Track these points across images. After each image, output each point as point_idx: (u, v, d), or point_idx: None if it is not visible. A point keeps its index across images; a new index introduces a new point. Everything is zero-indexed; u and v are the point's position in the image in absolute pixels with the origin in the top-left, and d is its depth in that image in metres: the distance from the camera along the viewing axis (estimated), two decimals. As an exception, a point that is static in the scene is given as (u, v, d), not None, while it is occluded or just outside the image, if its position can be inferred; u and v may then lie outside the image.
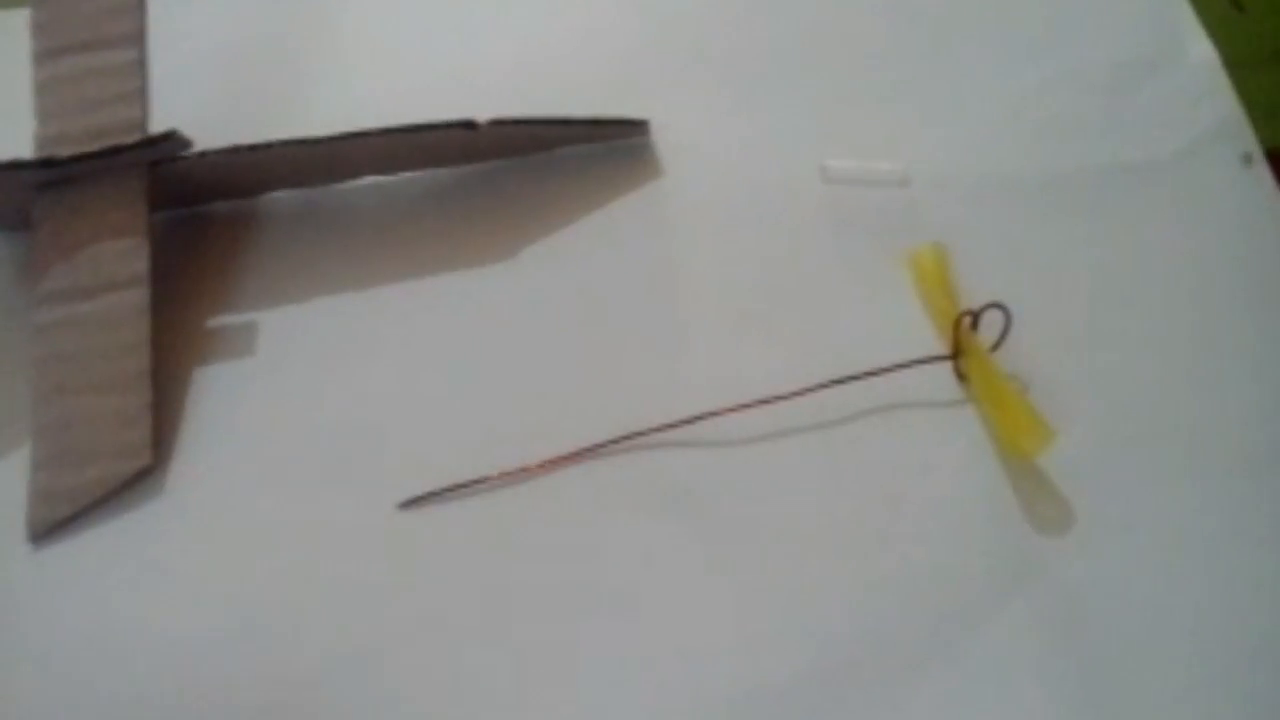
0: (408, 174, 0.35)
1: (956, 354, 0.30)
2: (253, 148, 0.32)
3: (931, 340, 0.31)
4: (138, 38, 0.32)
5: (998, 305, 0.29)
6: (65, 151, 0.31)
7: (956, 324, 0.30)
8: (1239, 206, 0.33)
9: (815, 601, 0.28)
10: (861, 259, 0.33)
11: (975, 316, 0.30)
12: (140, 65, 0.32)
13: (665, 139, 0.35)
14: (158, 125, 0.32)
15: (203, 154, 0.32)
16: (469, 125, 0.32)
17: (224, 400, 0.31)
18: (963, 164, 0.34)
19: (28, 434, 0.30)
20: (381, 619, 0.28)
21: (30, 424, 0.30)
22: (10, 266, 0.34)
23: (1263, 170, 0.34)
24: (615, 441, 0.30)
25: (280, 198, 0.35)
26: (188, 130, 0.32)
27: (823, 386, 0.29)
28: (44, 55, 0.33)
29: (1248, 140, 0.34)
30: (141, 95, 0.32)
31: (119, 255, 0.31)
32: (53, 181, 0.31)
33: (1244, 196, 0.33)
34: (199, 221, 0.35)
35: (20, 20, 0.33)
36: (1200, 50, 0.36)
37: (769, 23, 0.37)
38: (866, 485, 0.29)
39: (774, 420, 0.30)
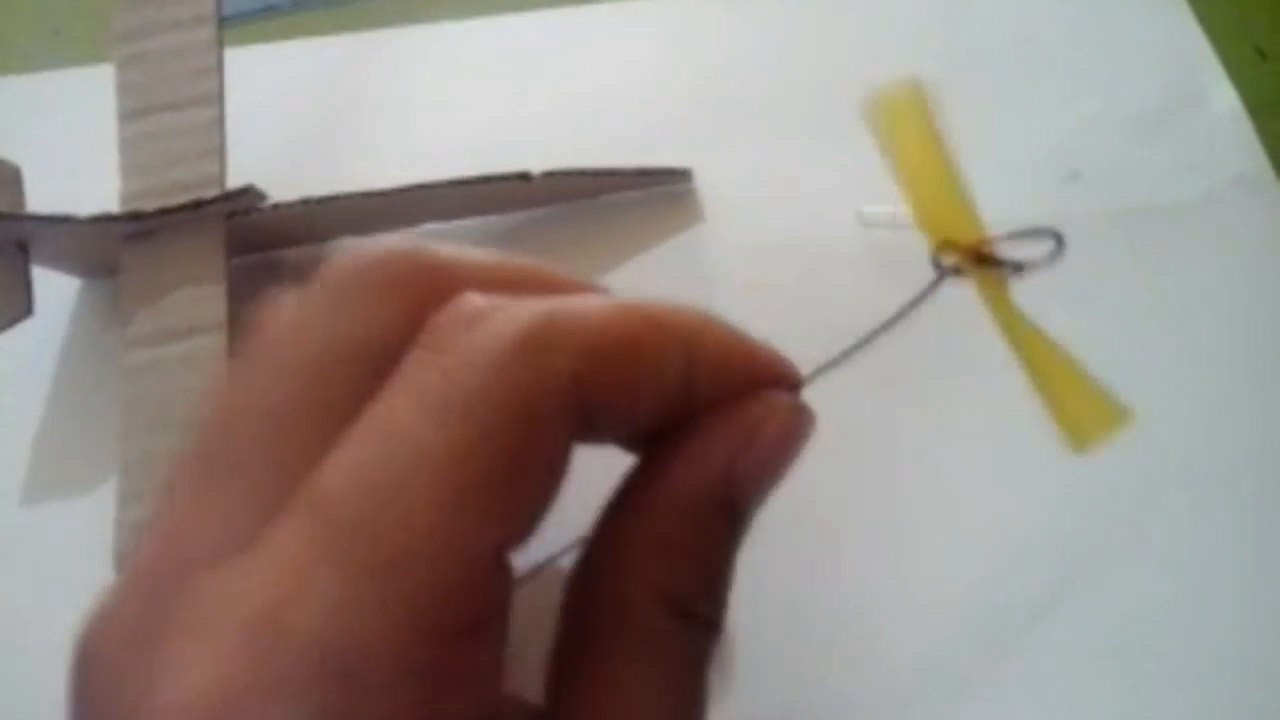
0: (464, 221, 0.37)
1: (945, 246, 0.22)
2: (321, 200, 0.34)
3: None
4: (216, 98, 0.34)
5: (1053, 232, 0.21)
6: (150, 205, 0.33)
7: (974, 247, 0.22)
8: (1268, 249, 0.34)
9: (851, 623, 0.29)
10: (899, 301, 0.34)
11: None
12: (219, 124, 0.34)
13: (707, 186, 0.37)
14: (234, 179, 0.34)
15: (276, 206, 0.34)
16: (524, 177, 0.34)
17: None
18: (993, 208, 0.36)
19: (117, 470, 0.32)
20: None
21: (119, 460, 0.32)
22: (102, 312, 0.36)
23: (1285, 215, 0.35)
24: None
25: (347, 242, 0.37)
26: (261, 182, 0.34)
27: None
28: (129, 114, 0.35)
29: (1273, 185, 0.35)
30: (220, 152, 0.34)
31: (199, 301, 0.33)
32: (138, 233, 0.34)
33: (1273, 240, 0.35)
34: (272, 265, 0.37)
35: (102, 75, 0.36)
36: (1224, 96, 0.37)
37: (806, 74, 0.39)
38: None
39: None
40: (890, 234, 0.35)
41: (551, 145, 0.38)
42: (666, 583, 0.17)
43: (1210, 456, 0.31)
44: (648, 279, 0.36)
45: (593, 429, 0.17)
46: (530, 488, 0.16)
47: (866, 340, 0.22)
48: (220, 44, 0.35)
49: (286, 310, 0.18)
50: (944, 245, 0.23)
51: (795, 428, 0.19)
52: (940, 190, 0.25)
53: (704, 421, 0.18)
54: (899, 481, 0.32)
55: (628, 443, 0.20)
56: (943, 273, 0.23)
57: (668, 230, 0.37)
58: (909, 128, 0.26)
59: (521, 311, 0.16)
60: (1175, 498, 0.30)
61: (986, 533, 0.30)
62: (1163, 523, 0.30)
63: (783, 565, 0.28)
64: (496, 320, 0.16)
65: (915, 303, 0.23)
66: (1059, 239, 0.22)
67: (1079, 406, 0.23)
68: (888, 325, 0.22)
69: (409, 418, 0.15)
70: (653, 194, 0.37)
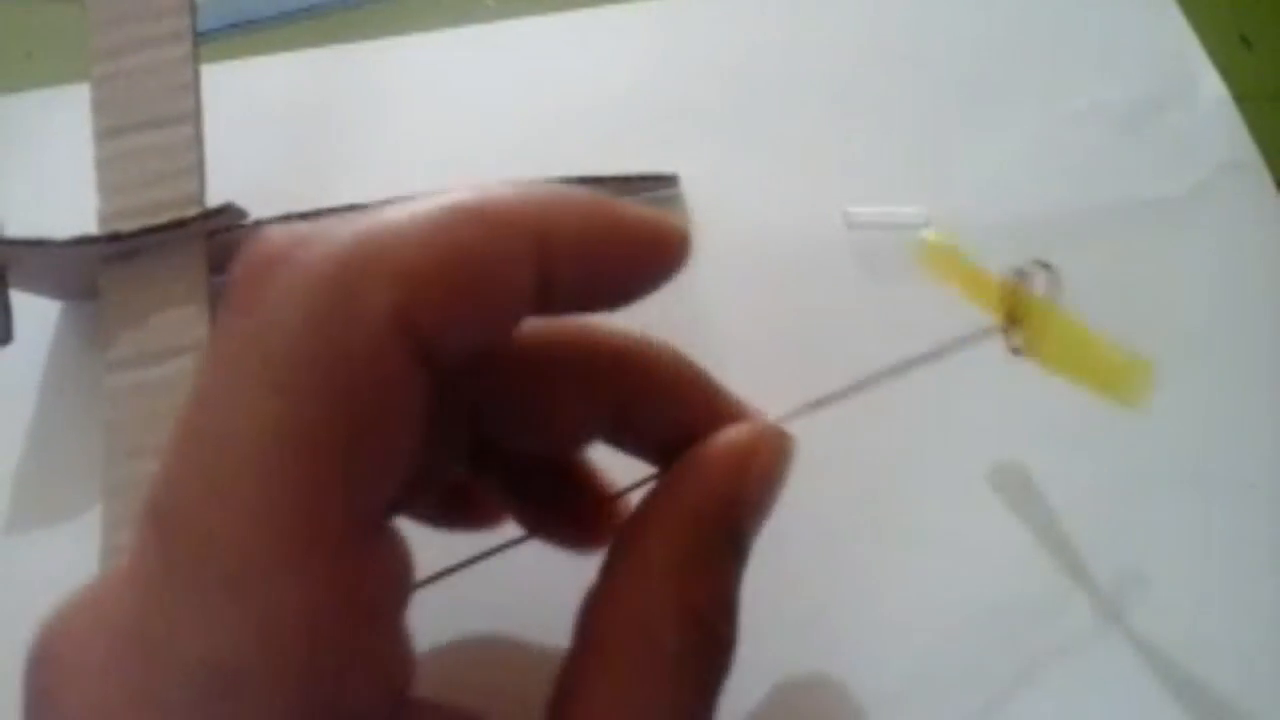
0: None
1: (1010, 322, 0.26)
2: (304, 215, 0.33)
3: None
4: (193, 115, 0.34)
5: (1043, 264, 0.26)
6: (129, 226, 0.33)
7: (1007, 293, 0.26)
8: (1259, 239, 0.34)
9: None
10: (886, 301, 0.34)
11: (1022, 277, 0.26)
12: (197, 141, 0.34)
13: (694, 191, 0.37)
14: (214, 197, 0.34)
15: (257, 223, 0.34)
16: (508, 187, 0.34)
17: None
18: (982, 206, 0.36)
19: (100, 495, 0.32)
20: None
21: (102, 485, 0.32)
22: (83, 336, 0.36)
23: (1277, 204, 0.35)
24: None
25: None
26: (242, 198, 0.34)
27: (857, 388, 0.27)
28: (106, 133, 0.34)
29: (1262, 174, 0.35)
30: (199, 169, 0.34)
31: (181, 322, 0.33)
32: (118, 254, 0.33)
33: (1263, 229, 0.34)
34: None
35: (76, 96, 0.35)
36: (1211, 86, 0.37)
37: (790, 75, 0.39)
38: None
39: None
40: (877, 234, 0.35)
41: (535, 154, 0.37)
42: (686, 601, 0.17)
43: (1213, 452, 0.31)
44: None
45: (445, 356, 0.15)
46: (377, 442, 0.15)
47: (885, 374, 0.23)
48: (197, 60, 0.34)
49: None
50: (1011, 325, 0.25)
51: (783, 454, 0.20)
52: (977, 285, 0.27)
53: (704, 451, 0.19)
54: (890, 495, 0.31)
55: (639, 449, 0.20)
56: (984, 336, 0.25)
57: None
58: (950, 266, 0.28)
59: (322, 246, 0.15)
60: (1178, 497, 0.30)
61: (980, 545, 0.30)
62: (1165, 522, 0.30)
63: (770, 582, 0.28)
64: (295, 262, 0.15)
65: (948, 349, 0.24)
66: (1049, 269, 0.24)
67: (1115, 372, 0.24)
68: (912, 365, 0.23)
69: (222, 400, 0.14)
70: (639, 201, 0.37)
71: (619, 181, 0.36)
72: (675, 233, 0.18)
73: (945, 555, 0.30)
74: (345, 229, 0.15)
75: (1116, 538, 0.30)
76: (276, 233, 0.15)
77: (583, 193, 0.18)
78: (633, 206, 0.18)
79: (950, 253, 0.30)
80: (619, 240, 0.18)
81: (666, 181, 0.37)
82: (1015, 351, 0.26)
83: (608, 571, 0.18)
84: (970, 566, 0.29)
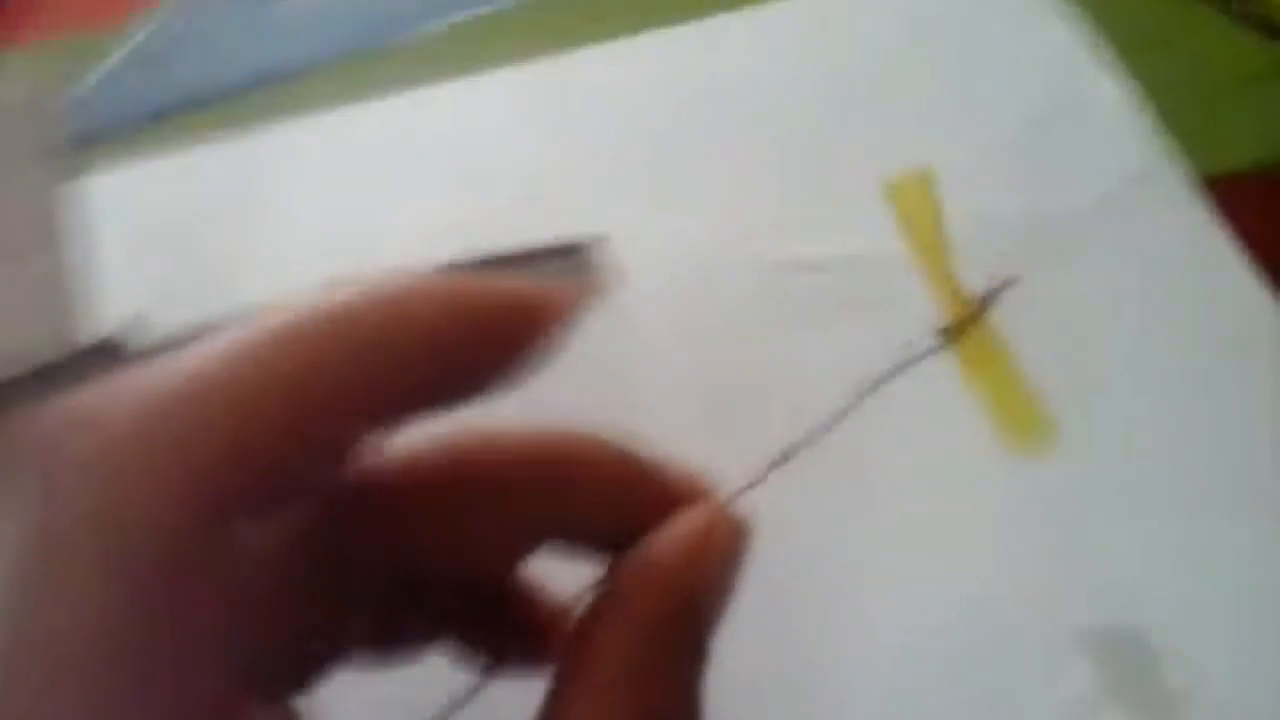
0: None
1: (958, 329, 0.28)
2: (206, 326, 0.31)
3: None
4: (59, 243, 0.32)
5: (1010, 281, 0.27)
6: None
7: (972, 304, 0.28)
8: (1175, 241, 0.34)
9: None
10: (822, 341, 0.33)
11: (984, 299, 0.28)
12: (66, 272, 0.31)
13: (619, 251, 0.35)
14: (117, 308, 0.31)
15: (143, 353, 0.31)
16: (422, 273, 0.32)
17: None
18: (904, 236, 0.35)
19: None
20: None
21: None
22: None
23: (1197, 202, 0.34)
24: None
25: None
26: (144, 304, 0.31)
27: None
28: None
29: (1173, 174, 0.35)
30: (68, 301, 0.31)
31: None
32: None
33: (1178, 231, 0.34)
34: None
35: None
36: (1110, 90, 0.37)
37: (697, 125, 0.38)
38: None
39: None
40: (801, 277, 0.34)
41: (446, 232, 0.36)
42: (645, 716, 0.16)
43: (1148, 467, 0.30)
44: (568, 354, 0.34)
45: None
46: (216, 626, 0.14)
47: (844, 413, 0.22)
48: (64, 179, 0.32)
49: None
50: (953, 329, 0.25)
51: (738, 539, 0.18)
52: (940, 264, 0.27)
53: (651, 550, 0.18)
54: (860, 528, 0.30)
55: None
56: (935, 347, 0.25)
57: (583, 300, 0.35)
58: (922, 211, 0.28)
59: (100, 431, 0.14)
60: (1122, 512, 0.29)
61: (947, 575, 0.29)
62: (1115, 537, 0.29)
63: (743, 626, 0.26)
64: (73, 451, 0.13)
65: (900, 368, 0.24)
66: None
67: (1020, 416, 0.24)
68: (865, 393, 0.22)
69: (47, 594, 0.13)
70: (563, 269, 0.35)
71: (538, 254, 0.34)
72: (539, 304, 0.17)
73: (904, 594, 0.29)
74: (124, 405, 0.14)
75: (1070, 560, 0.29)
76: (49, 419, 0.14)
77: (436, 283, 0.16)
78: (490, 285, 0.17)
79: (922, 189, 0.29)
80: (473, 328, 0.16)
81: (587, 248, 0.35)
82: (942, 336, 0.26)
83: (555, 693, 0.17)
84: (929, 602, 0.28)
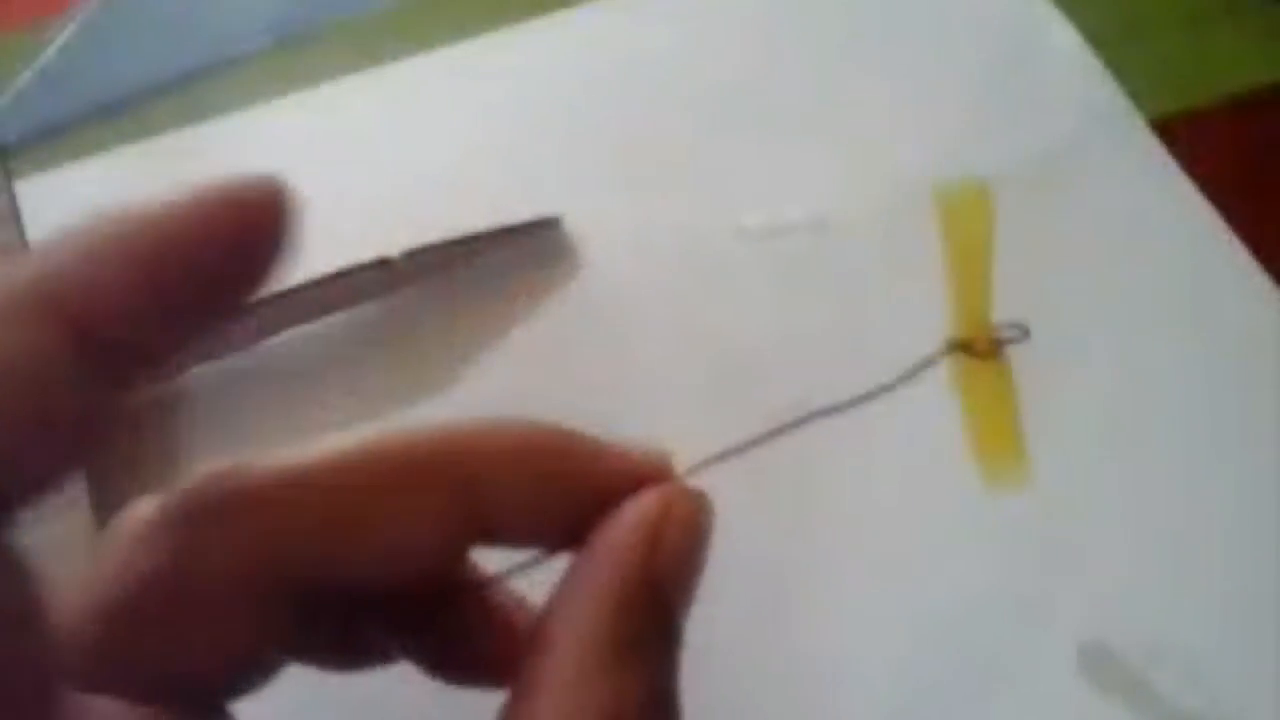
0: (330, 317, 0.34)
1: (975, 352, 0.27)
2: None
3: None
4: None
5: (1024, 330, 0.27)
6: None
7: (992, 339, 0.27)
8: (1133, 183, 0.34)
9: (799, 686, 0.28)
10: (791, 308, 0.33)
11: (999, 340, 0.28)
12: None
13: (580, 230, 0.35)
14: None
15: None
16: (385, 263, 0.32)
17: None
18: (869, 197, 0.35)
19: None
20: None
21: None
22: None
23: (1152, 143, 0.35)
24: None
25: (203, 371, 0.34)
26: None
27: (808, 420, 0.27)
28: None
29: (1130, 115, 0.35)
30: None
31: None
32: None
33: (1135, 173, 0.35)
34: (127, 415, 0.33)
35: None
36: (1063, 34, 0.37)
37: (657, 99, 0.38)
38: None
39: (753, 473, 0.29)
40: (772, 243, 0.34)
41: (409, 217, 0.35)
42: (615, 710, 0.15)
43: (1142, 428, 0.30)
44: (539, 336, 0.34)
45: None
46: None
47: (836, 409, 0.22)
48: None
49: None
50: (963, 344, 0.25)
51: (699, 515, 0.17)
52: (977, 285, 0.27)
53: (607, 533, 0.17)
54: (841, 541, 0.30)
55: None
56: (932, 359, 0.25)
57: (545, 284, 0.35)
58: (973, 225, 0.28)
59: None
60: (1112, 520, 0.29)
61: (931, 587, 0.29)
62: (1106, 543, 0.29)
63: (727, 629, 0.26)
64: None
65: (903, 379, 0.23)
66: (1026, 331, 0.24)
67: (1000, 445, 0.24)
68: (864, 399, 0.22)
69: None
70: (527, 249, 0.35)
71: (497, 234, 0.34)
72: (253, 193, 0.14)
73: (893, 578, 0.29)
74: None
75: (1060, 569, 0.29)
76: None
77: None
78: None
79: (982, 201, 0.29)
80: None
81: (549, 225, 0.35)
82: (952, 347, 0.26)
83: (518, 694, 0.15)
84: (922, 590, 0.29)
